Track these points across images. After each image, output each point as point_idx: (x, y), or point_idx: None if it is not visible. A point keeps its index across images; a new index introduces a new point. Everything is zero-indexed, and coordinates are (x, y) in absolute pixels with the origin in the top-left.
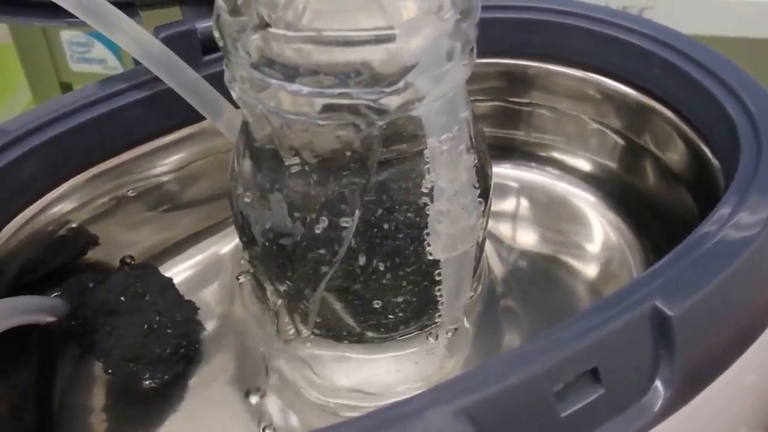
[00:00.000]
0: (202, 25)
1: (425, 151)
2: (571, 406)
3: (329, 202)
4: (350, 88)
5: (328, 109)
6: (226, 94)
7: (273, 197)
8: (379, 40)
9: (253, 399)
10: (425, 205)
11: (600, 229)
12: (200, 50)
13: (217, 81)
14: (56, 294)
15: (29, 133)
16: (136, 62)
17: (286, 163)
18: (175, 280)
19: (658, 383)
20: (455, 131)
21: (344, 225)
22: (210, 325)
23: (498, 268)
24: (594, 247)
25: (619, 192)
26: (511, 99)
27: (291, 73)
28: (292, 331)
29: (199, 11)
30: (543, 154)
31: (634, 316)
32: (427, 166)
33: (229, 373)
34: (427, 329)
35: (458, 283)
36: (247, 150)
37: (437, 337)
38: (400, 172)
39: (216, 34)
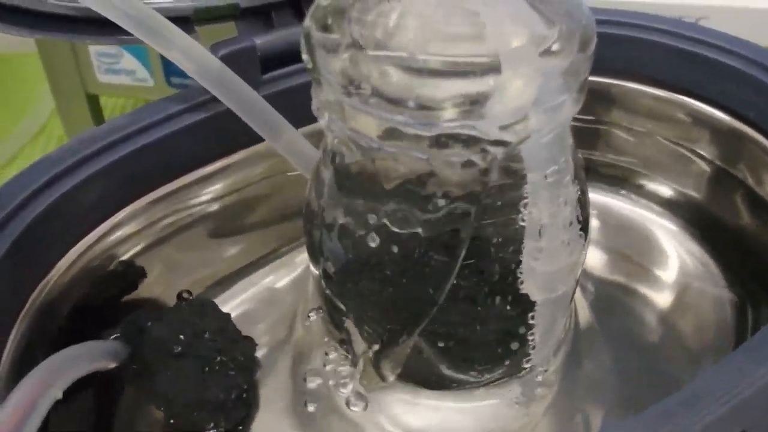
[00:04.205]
0: (260, 41)
1: (525, 186)
2: None
3: (435, 235)
4: (464, 120)
5: (437, 143)
6: (286, 114)
7: (369, 231)
8: (483, 71)
9: None
10: (520, 242)
11: (677, 259)
12: (259, 68)
13: (276, 101)
14: (114, 336)
15: (84, 160)
16: (167, 74)
17: (387, 194)
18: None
19: None
20: (562, 162)
21: (448, 260)
22: (267, 365)
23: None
24: (669, 276)
25: (703, 222)
26: (588, 117)
27: (392, 104)
28: (374, 377)
29: (254, 26)
30: (619, 176)
31: None
32: (524, 202)
33: (294, 420)
34: (515, 374)
35: (552, 323)
36: (336, 176)
37: (525, 379)
38: (495, 206)
39: (305, 56)
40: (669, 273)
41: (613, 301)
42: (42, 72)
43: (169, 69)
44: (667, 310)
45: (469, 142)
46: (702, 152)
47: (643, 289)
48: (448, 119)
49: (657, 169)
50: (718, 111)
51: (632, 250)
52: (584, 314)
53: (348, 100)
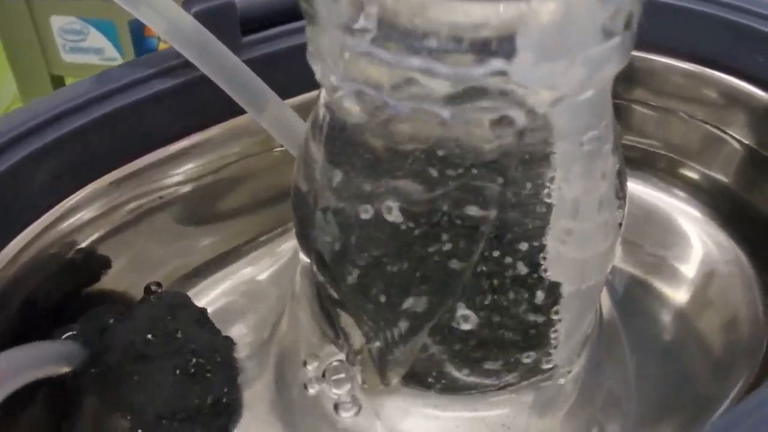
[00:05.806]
0: None
1: (553, 156)
2: None
3: (453, 214)
4: (492, 64)
5: (460, 96)
6: (270, 83)
7: (372, 209)
8: None
9: None
10: (546, 223)
11: (701, 247)
12: (239, 29)
13: (259, 67)
14: (70, 334)
15: (33, 131)
16: (139, 53)
17: (395, 164)
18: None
19: None
20: (602, 127)
21: (467, 244)
22: (249, 367)
23: None
24: (692, 266)
25: (731, 208)
26: None
27: (412, 43)
28: (375, 379)
29: None
30: (640, 158)
31: None
32: (551, 175)
33: (280, 428)
34: (534, 377)
35: (578, 319)
36: (331, 144)
37: (542, 385)
38: (518, 179)
39: None
40: (692, 263)
41: (632, 295)
42: (1, 51)
43: (141, 46)
44: (691, 304)
45: (497, 94)
46: (734, 133)
47: (664, 282)
48: (473, 60)
49: (682, 152)
50: (757, 88)
51: (652, 238)
52: (607, 309)
53: (351, 40)
